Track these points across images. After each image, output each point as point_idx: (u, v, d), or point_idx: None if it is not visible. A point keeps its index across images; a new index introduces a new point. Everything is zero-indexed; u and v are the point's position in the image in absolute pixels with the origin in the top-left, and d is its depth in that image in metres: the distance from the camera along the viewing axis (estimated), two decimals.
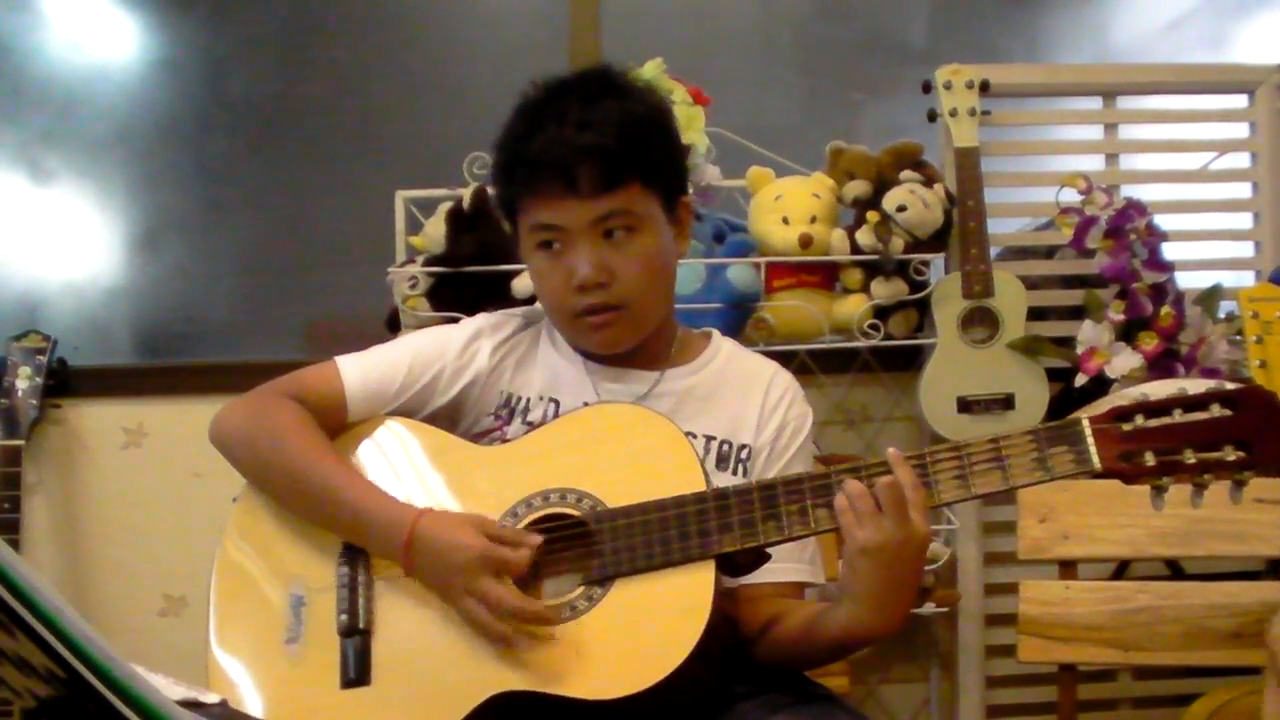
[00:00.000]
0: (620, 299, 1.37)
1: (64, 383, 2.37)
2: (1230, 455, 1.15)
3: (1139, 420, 1.18)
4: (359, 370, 1.42)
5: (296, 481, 1.35)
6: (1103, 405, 1.68)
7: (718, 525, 1.24)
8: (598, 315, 1.38)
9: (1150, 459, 1.17)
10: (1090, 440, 1.18)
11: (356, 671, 1.27)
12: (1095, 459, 1.17)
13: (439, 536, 1.25)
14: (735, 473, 1.42)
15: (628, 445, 1.32)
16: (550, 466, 1.32)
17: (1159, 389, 1.68)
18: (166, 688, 0.79)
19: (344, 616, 1.29)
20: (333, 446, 1.38)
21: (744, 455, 1.43)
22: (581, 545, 1.26)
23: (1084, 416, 1.19)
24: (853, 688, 2.27)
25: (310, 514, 1.36)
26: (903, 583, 1.21)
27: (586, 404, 1.41)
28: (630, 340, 1.42)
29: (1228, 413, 1.16)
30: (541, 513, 1.30)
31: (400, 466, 1.38)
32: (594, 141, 1.32)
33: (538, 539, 1.25)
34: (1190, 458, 1.16)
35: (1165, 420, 1.17)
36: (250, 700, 1.28)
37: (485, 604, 1.22)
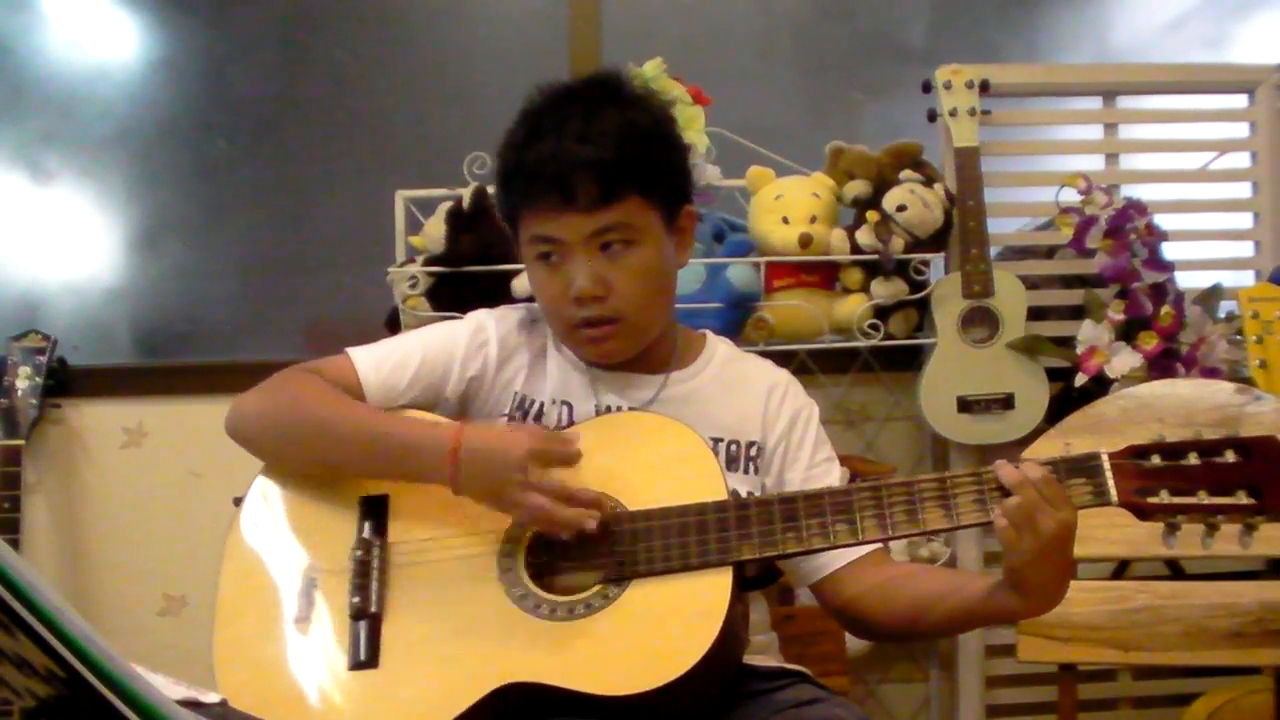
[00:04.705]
0: (617, 312, 1.38)
1: (64, 382, 2.37)
2: (1242, 500, 1.17)
3: (1155, 460, 1.20)
4: (372, 361, 1.43)
5: (328, 432, 1.35)
6: (1102, 405, 1.69)
7: (737, 534, 1.24)
8: (595, 328, 1.39)
9: (1165, 497, 1.19)
10: (1109, 474, 1.20)
11: (365, 654, 1.27)
12: (1113, 492, 1.19)
13: (486, 440, 1.27)
14: (746, 471, 1.43)
15: (651, 452, 1.33)
16: (571, 468, 1.32)
17: (1160, 389, 1.70)
18: (166, 687, 0.79)
19: (356, 599, 1.29)
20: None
21: (753, 453, 1.44)
22: (601, 545, 1.26)
23: (1103, 451, 1.21)
24: (853, 687, 2.27)
25: (348, 460, 1.36)
26: (1065, 570, 1.22)
27: (609, 409, 1.42)
28: (628, 352, 1.43)
29: (1241, 459, 1.18)
30: None
31: None
32: (591, 155, 1.32)
33: (577, 437, 1.29)
34: (1204, 499, 1.18)
35: (1181, 462, 1.19)
36: (254, 675, 1.28)
37: (543, 494, 1.23)
